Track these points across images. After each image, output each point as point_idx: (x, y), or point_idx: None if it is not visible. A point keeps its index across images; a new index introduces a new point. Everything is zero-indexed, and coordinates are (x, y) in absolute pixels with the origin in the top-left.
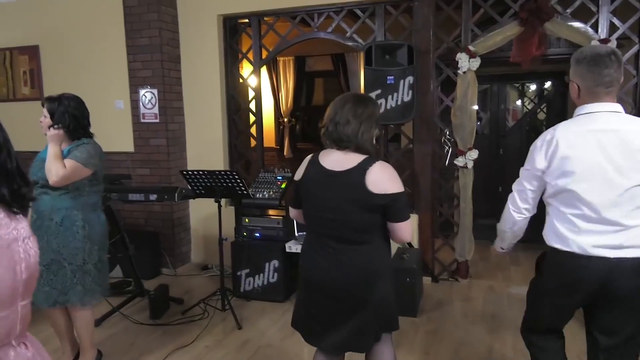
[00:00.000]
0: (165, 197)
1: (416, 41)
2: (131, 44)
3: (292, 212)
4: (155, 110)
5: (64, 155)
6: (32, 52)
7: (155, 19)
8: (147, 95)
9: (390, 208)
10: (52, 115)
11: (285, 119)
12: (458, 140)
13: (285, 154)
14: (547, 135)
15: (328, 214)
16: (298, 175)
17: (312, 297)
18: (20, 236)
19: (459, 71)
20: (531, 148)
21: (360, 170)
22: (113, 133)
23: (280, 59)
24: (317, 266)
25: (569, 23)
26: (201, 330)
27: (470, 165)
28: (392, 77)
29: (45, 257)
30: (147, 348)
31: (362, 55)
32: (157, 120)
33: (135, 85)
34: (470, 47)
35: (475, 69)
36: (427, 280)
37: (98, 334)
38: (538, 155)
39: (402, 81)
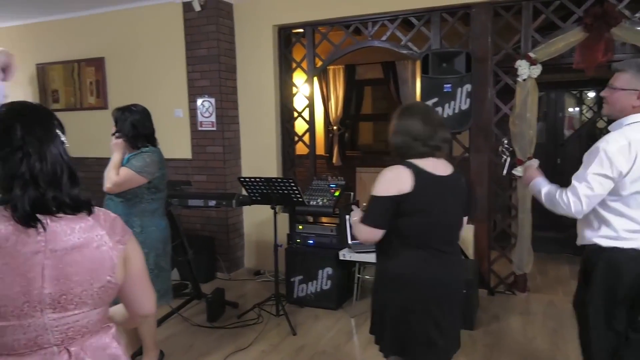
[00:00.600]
0: (224, 203)
1: (473, 48)
2: (190, 55)
3: (372, 232)
4: (212, 118)
5: (123, 163)
6: (98, 63)
7: (214, 31)
8: (204, 104)
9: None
10: (116, 124)
11: (335, 127)
12: (517, 150)
13: (334, 161)
14: (620, 140)
15: (447, 220)
16: (396, 190)
17: (434, 312)
18: (47, 249)
19: (518, 79)
20: (602, 154)
21: (458, 173)
22: (172, 141)
23: (331, 68)
24: (437, 276)
25: (638, 28)
26: (257, 335)
27: None
28: (450, 85)
29: None
30: (205, 350)
31: (413, 64)
32: (214, 129)
33: (193, 95)
34: (531, 54)
35: (535, 76)
36: (482, 292)
37: (159, 335)
38: (618, 159)
39: (459, 89)
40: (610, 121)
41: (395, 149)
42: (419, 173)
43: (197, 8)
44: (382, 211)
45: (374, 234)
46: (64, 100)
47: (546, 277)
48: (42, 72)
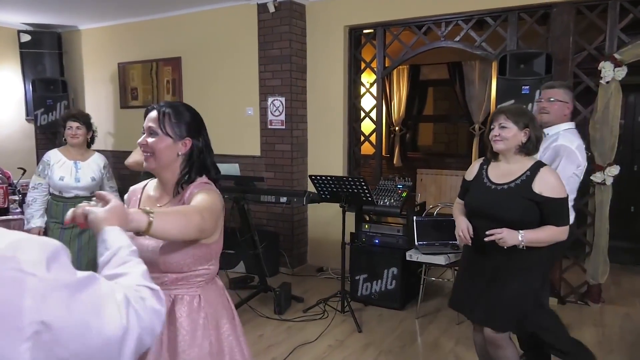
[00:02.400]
0: (295, 200)
1: (553, 49)
2: (263, 55)
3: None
4: (282, 117)
5: None
6: (175, 63)
7: (287, 31)
8: (275, 103)
9: None
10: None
11: (397, 128)
12: (596, 155)
13: (395, 162)
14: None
15: None
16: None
17: None
18: None
19: (600, 81)
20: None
21: None
22: (243, 138)
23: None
24: None
25: None
26: (323, 329)
27: (609, 181)
28: (528, 87)
29: None
30: (274, 340)
31: (481, 64)
32: (283, 127)
33: (264, 94)
34: (616, 55)
35: (620, 78)
36: (552, 301)
37: None
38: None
39: (538, 91)
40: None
41: (534, 143)
42: None
43: (271, 9)
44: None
45: None
46: (141, 98)
47: (620, 289)
48: (123, 70)
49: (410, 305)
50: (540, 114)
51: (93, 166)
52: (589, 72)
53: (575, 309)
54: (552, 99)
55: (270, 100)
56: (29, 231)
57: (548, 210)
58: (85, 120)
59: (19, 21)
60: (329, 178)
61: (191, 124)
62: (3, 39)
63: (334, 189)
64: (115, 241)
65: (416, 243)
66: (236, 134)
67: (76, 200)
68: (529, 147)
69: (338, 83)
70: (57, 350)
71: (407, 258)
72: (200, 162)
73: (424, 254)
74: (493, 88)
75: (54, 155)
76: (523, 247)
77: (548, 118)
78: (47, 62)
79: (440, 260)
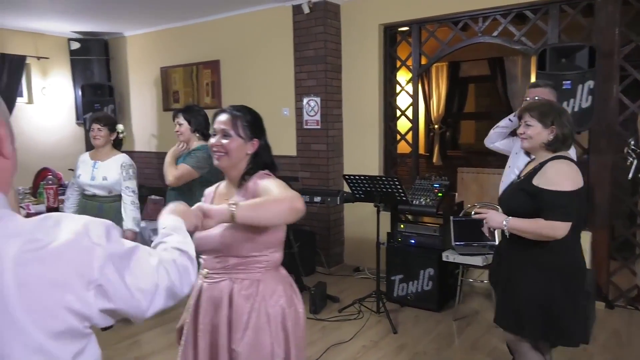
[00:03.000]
0: (329, 199)
1: (598, 41)
2: (298, 56)
3: (568, 226)
4: (317, 117)
5: (178, 162)
6: (214, 66)
7: (321, 32)
8: (310, 103)
9: None
10: (190, 122)
11: (436, 126)
12: None
13: (434, 161)
14: None
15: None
16: (579, 184)
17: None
18: None
19: None
20: None
21: None
22: (279, 138)
23: (434, 65)
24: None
25: None
26: (358, 330)
27: None
28: (569, 81)
29: None
30: (309, 340)
31: (523, 59)
32: (319, 127)
33: (300, 94)
34: None
35: None
36: (600, 305)
37: None
38: None
39: (580, 86)
40: None
41: (561, 140)
42: (577, 165)
43: (306, 10)
44: (574, 204)
45: (569, 228)
46: (183, 100)
47: None
48: (166, 74)
49: (448, 307)
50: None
51: (111, 166)
52: (636, 65)
53: (625, 313)
54: (537, 98)
55: (305, 100)
56: None
57: (540, 203)
58: (107, 123)
59: (70, 30)
60: (362, 177)
61: (257, 125)
62: (55, 47)
63: (368, 189)
64: (163, 222)
65: (453, 243)
66: (272, 134)
67: (95, 198)
68: (556, 144)
69: (373, 82)
70: (109, 298)
71: (444, 259)
72: (263, 160)
73: (461, 254)
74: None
75: (83, 156)
76: (507, 233)
77: (528, 144)
78: (95, 68)
79: (477, 261)
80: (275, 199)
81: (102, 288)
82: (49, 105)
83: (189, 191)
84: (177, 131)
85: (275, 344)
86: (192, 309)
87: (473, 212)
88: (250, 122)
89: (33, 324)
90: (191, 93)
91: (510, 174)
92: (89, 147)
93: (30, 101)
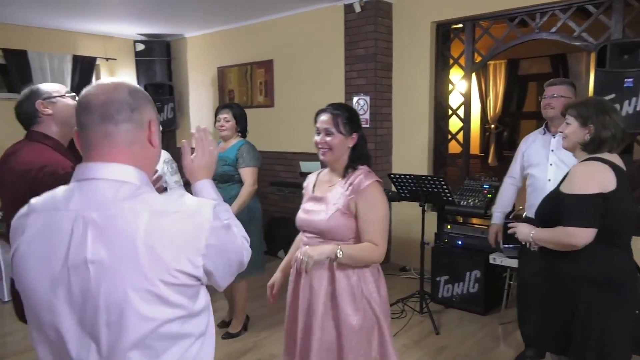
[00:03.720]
0: None
1: None
2: (349, 55)
3: (589, 232)
4: (367, 116)
5: (232, 158)
6: (268, 65)
7: (372, 30)
8: (360, 102)
9: None
10: (236, 118)
11: (492, 126)
12: None
13: (489, 162)
14: None
15: (633, 216)
16: (605, 187)
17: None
18: None
19: None
20: None
21: None
22: None
23: (491, 63)
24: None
25: None
26: (399, 329)
27: None
28: (631, 79)
29: None
30: None
31: (588, 56)
32: (368, 126)
33: (350, 93)
34: None
35: None
36: None
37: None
38: None
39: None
40: None
41: (597, 142)
42: (618, 172)
43: (358, 9)
44: (593, 209)
45: (589, 234)
46: (237, 99)
47: None
48: (222, 74)
49: (494, 310)
50: (545, 110)
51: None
52: None
53: None
54: (555, 95)
55: (355, 99)
56: None
57: (562, 209)
58: None
59: (135, 32)
60: (408, 177)
61: (354, 120)
62: (122, 49)
63: (414, 188)
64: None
65: (501, 246)
66: None
67: None
68: (591, 146)
69: (424, 80)
70: (214, 259)
71: (491, 261)
72: (360, 151)
73: (509, 257)
74: (591, 82)
75: None
76: (534, 247)
77: (553, 113)
78: (157, 68)
79: None
80: (369, 255)
81: (207, 252)
82: None
83: (236, 182)
84: (222, 126)
85: (366, 317)
86: (294, 279)
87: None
88: (349, 118)
89: (156, 276)
90: (245, 92)
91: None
92: None
93: None
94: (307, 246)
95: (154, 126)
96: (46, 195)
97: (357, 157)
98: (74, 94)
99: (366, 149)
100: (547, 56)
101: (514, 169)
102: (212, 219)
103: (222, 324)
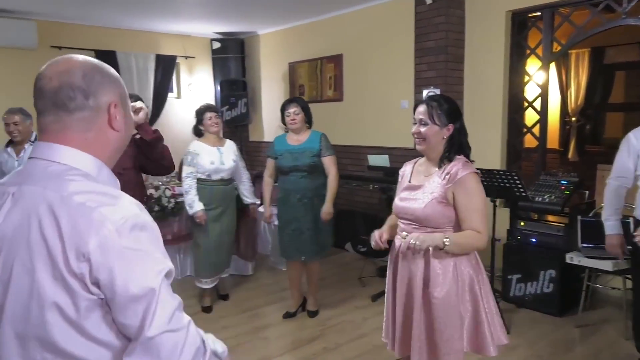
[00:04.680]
0: None
1: None
2: (419, 48)
3: None
4: None
5: (317, 149)
6: (337, 60)
7: (443, 22)
8: (429, 95)
9: None
10: (304, 110)
11: (573, 118)
12: None
13: (569, 156)
14: None
15: None
16: None
17: None
18: None
19: None
20: None
21: None
22: (397, 130)
23: (573, 52)
24: None
25: None
26: None
27: None
28: None
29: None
30: None
31: None
32: None
33: (419, 86)
34: None
35: None
36: None
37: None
38: None
39: None
40: None
41: None
42: None
43: (429, 1)
44: None
45: None
46: (307, 94)
47: None
48: (292, 69)
49: (570, 312)
50: None
51: (230, 150)
52: None
53: None
54: None
55: (425, 92)
56: (194, 215)
57: None
58: (219, 111)
59: (212, 31)
60: (478, 171)
61: (451, 112)
62: (200, 47)
63: (484, 182)
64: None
65: (580, 245)
66: (390, 126)
67: (220, 182)
68: None
69: (497, 72)
70: (100, 265)
71: (567, 261)
72: (458, 142)
73: (588, 257)
74: None
75: (197, 145)
76: None
77: None
78: (232, 65)
79: (607, 265)
80: (474, 242)
81: (89, 261)
82: (194, 99)
83: (320, 172)
84: (294, 119)
85: (461, 304)
86: (392, 262)
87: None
88: (446, 110)
89: (59, 258)
90: (315, 86)
91: None
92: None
93: (178, 96)
94: (415, 233)
95: (115, 109)
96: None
97: (453, 148)
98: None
99: (464, 140)
100: (637, 43)
101: (625, 167)
102: (115, 232)
103: (287, 315)
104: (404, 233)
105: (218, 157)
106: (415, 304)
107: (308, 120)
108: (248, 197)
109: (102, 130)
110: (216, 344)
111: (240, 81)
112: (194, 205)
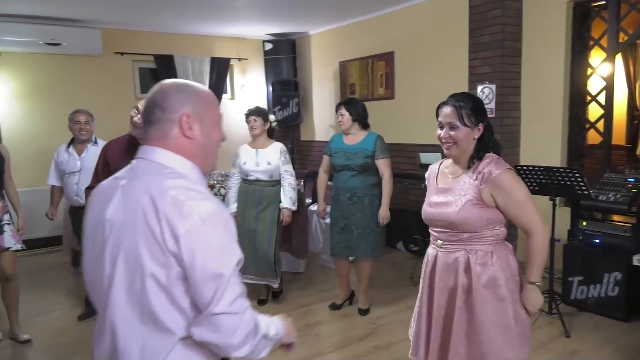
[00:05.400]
0: None
1: None
2: (473, 43)
3: None
4: (492, 105)
5: (370, 150)
6: (388, 57)
7: (499, 15)
8: (484, 91)
9: None
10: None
11: None
12: None
13: (637, 153)
14: None
15: None
16: None
17: None
18: None
19: None
20: None
21: None
22: None
23: None
24: None
25: None
26: None
27: None
28: None
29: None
30: None
31: None
32: (493, 115)
33: (473, 82)
34: None
35: None
36: None
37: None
38: None
39: None
40: None
41: None
42: None
43: None
44: None
45: None
46: (358, 92)
47: None
48: (343, 68)
49: (637, 317)
50: None
51: (271, 152)
52: None
53: None
54: None
55: (479, 88)
56: None
57: None
58: (260, 114)
59: (264, 32)
60: (536, 168)
61: (479, 111)
62: (252, 49)
63: (543, 181)
64: (273, 319)
65: None
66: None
67: (257, 183)
68: None
69: (558, 65)
70: (189, 248)
71: (635, 263)
72: (488, 141)
73: None
74: None
75: (241, 147)
76: None
77: None
78: (284, 66)
79: None
80: (541, 249)
81: (181, 244)
82: (247, 100)
83: (372, 172)
84: (340, 121)
85: (508, 306)
86: (428, 273)
87: None
88: (473, 109)
89: (159, 239)
90: (366, 85)
91: None
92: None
93: (232, 97)
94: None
95: (188, 121)
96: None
97: (484, 147)
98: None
99: (493, 137)
100: None
101: None
102: (200, 222)
103: (333, 306)
104: (439, 242)
105: (254, 158)
106: (456, 313)
107: (360, 122)
108: (283, 202)
109: (180, 137)
110: (270, 327)
111: (292, 81)
112: (229, 204)
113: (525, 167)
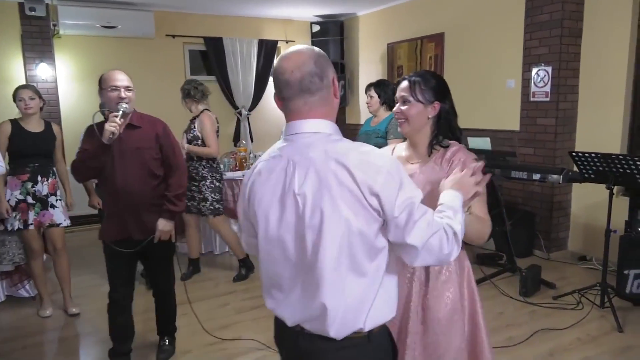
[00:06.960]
0: (549, 177)
1: None
2: (529, 22)
3: None
4: (547, 88)
5: (382, 131)
6: (438, 39)
7: None
8: (540, 73)
9: None
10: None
11: None
12: None
13: None
14: None
15: None
16: None
17: None
18: None
19: None
20: None
21: None
22: (501, 111)
23: None
24: None
25: None
26: (575, 321)
27: None
28: None
29: None
30: (514, 320)
31: None
32: (548, 99)
33: (528, 64)
34: None
35: None
36: None
37: None
38: None
39: None
40: None
41: None
42: None
43: None
44: None
45: None
46: (406, 74)
47: None
48: (391, 50)
49: None
50: None
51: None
52: None
53: None
54: None
55: (534, 70)
56: None
57: None
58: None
59: (312, 14)
60: (594, 155)
61: (438, 89)
62: (299, 31)
63: (600, 168)
64: (442, 197)
65: None
66: (493, 107)
67: None
68: None
69: (622, 47)
70: (387, 199)
71: None
72: (447, 124)
73: None
74: None
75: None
76: None
77: None
78: (331, 48)
79: None
80: (482, 228)
81: (379, 197)
82: None
83: None
84: (368, 102)
85: (459, 305)
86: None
87: None
88: (432, 86)
89: (360, 196)
90: (414, 67)
91: None
92: None
93: None
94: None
95: (335, 81)
96: (268, 150)
97: (442, 130)
98: None
99: (454, 122)
100: None
101: None
102: (388, 174)
103: None
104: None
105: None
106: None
107: (388, 105)
108: None
109: (332, 100)
110: (454, 224)
111: (339, 63)
112: None
113: (581, 154)
